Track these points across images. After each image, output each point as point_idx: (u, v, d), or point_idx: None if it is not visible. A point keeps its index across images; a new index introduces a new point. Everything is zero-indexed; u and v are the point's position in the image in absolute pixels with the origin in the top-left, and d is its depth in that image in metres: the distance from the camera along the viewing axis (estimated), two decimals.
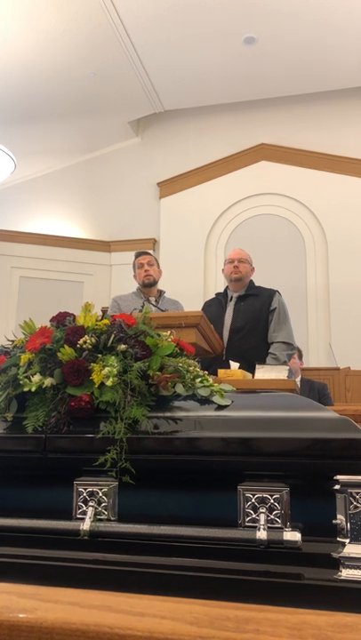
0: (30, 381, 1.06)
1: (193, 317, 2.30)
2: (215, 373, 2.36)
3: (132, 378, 1.02)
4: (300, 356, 4.44)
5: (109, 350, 1.08)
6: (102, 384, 1.02)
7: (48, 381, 1.05)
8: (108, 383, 1.01)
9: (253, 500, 0.90)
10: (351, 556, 0.82)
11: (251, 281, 3.35)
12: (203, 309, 3.15)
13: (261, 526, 0.86)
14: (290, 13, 4.93)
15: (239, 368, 2.63)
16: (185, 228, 6.37)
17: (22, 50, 5.13)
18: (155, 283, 3.41)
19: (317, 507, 0.89)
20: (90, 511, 0.95)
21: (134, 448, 0.96)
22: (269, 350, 3.09)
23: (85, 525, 0.93)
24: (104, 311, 1.58)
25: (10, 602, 0.62)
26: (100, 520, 0.95)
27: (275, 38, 5.29)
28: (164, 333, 1.17)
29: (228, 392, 1.06)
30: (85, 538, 0.93)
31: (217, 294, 3.50)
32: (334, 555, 0.83)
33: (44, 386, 1.05)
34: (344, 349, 5.43)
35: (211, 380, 1.11)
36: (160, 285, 3.51)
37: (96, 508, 0.96)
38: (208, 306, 3.38)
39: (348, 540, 0.83)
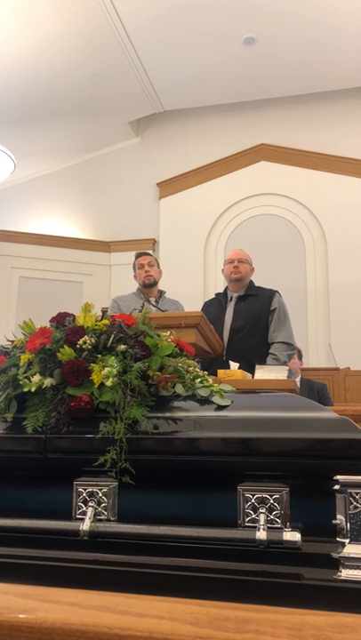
0: (30, 382, 1.06)
1: (193, 318, 2.29)
2: (215, 374, 2.36)
3: (132, 378, 1.02)
4: (300, 357, 4.44)
5: (109, 350, 1.08)
6: (102, 384, 1.02)
7: (48, 382, 1.05)
8: (108, 383, 1.01)
9: (253, 501, 0.90)
10: (351, 556, 0.82)
11: (251, 281, 3.35)
12: (202, 310, 3.14)
13: (261, 526, 0.86)
14: (290, 13, 4.93)
15: (239, 368, 2.63)
16: (185, 228, 6.38)
17: (22, 50, 5.13)
18: (155, 283, 3.41)
19: (317, 507, 0.89)
20: (89, 511, 0.95)
21: (134, 448, 0.96)
22: (270, 350, 3.09)
23: (85, 526, 0.93)
24: (104, 311, 1.58)
25: (10, 602, 0.62)
26: (100, 520, 0.95)
27: (275, 38, 5.29)
28: (164, 334, 1.17)
29: (227, 392, 1.06)
30: (85, 538, 0.93)
31: (217, 294, 3.50)
32: (334, 555, 0.83)
33: (43, 386, 1.05)
34: (344, 349, 5.44)
35: (210, 380, 1.11)
36: (160, 286, 3.50)
37: (96, 509, 0.96)
38: (208, 306, 3.38)
39: (347, 541, 0.83)
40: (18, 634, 0.56)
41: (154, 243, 6.58)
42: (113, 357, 1.05)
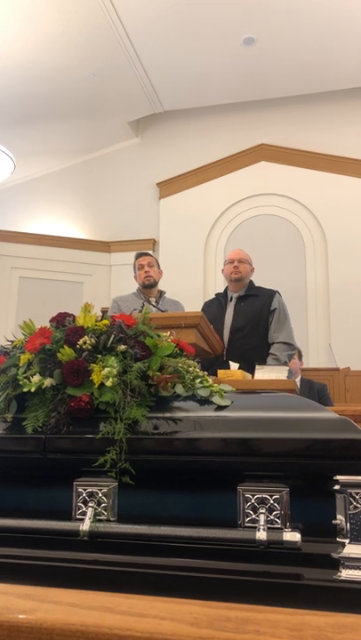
0: (30, 382, 1.06)
1: (192, 318, 2.29)
2: (215, 374, 2.36)
3: (132, 378, 1.02)
4: (300, 357, 4.44)
5: (109, 351, 1.08)
6: (102, 384, 1.02)
7: (48, 382, 1.05)
8: (108, 384, 1.01)
9: (253, 501, 0.90)
10: (351, 556, 0.82)
11: (251, 281, 3.35)
12: (202, 310, 3.15)
13: (261, 527, 0.86)
14: (290, 13, 4.94)
15: (239, 368, 2.63)
16: (185, 228, 6.38)
17: (22, 50, 5.13)
18: (155, 284, 3.41)
19: (317, 507, 0.89)
20: (89, 512, 0.95)
21: (134, 448, 0.96)
22: (270, 351, 3.09)
23: (85, 526, 0.93)
24: (104, 312, 1.58)
25: (9, 602, 0.62)
26: (100, 521, 0.95)
27: (275, 38, 5.29)
28: (164, 334, 1.17)
29: (227, 392, 1.06)
30: (85, 538, 0.93)
31: (217, 295, 3.50)
32: (334, 555, 0.83)
33: (43, 386, 1.05)
34: (344, 350, 5.44)
35: (210, 380, 1.11)
36: (160, 286, 3.50)
37: (96, 509, 0.96)
38: (208, 306, 3.38)
39: (347, 541, 0.83)
40: (18, 634, 0.56)
41: (154, 243, 6.58)
42: (113, 357, 1.05)
